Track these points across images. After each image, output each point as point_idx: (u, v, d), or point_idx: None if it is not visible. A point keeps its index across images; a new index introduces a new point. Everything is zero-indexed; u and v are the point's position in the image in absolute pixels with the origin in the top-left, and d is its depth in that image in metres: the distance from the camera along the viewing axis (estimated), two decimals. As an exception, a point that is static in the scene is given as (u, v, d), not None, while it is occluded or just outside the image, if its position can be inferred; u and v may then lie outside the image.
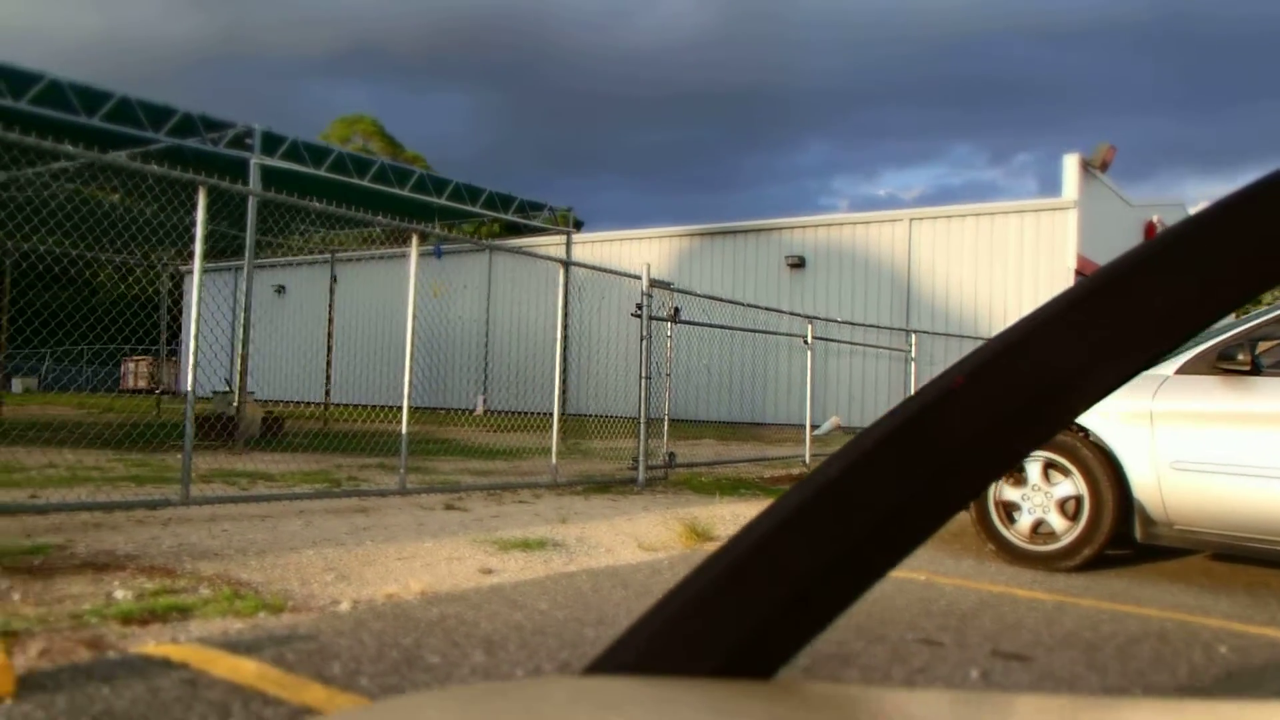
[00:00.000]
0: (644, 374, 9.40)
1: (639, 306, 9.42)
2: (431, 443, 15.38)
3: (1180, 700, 0.50)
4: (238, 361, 13.87)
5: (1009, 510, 5.27)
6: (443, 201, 15.19)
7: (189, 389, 6.35)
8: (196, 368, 6.40)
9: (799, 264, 21.86)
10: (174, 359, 27.02)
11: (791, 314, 12.30)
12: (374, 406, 21.56)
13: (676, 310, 9.94)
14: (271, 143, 13.25)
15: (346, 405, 22.03)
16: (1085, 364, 0.49)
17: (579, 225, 19.71)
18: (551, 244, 20.63)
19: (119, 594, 3.81)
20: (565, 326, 15.96)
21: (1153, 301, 0.49)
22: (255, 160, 12.74)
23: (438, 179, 15.16)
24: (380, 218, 7.60)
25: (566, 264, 8.71)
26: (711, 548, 5.26)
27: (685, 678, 0.50)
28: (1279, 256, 0.48)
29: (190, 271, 26.95)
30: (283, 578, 4.28)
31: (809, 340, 11.76)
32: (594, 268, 9.58)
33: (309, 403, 22.76)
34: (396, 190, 14.70)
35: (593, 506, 7.47)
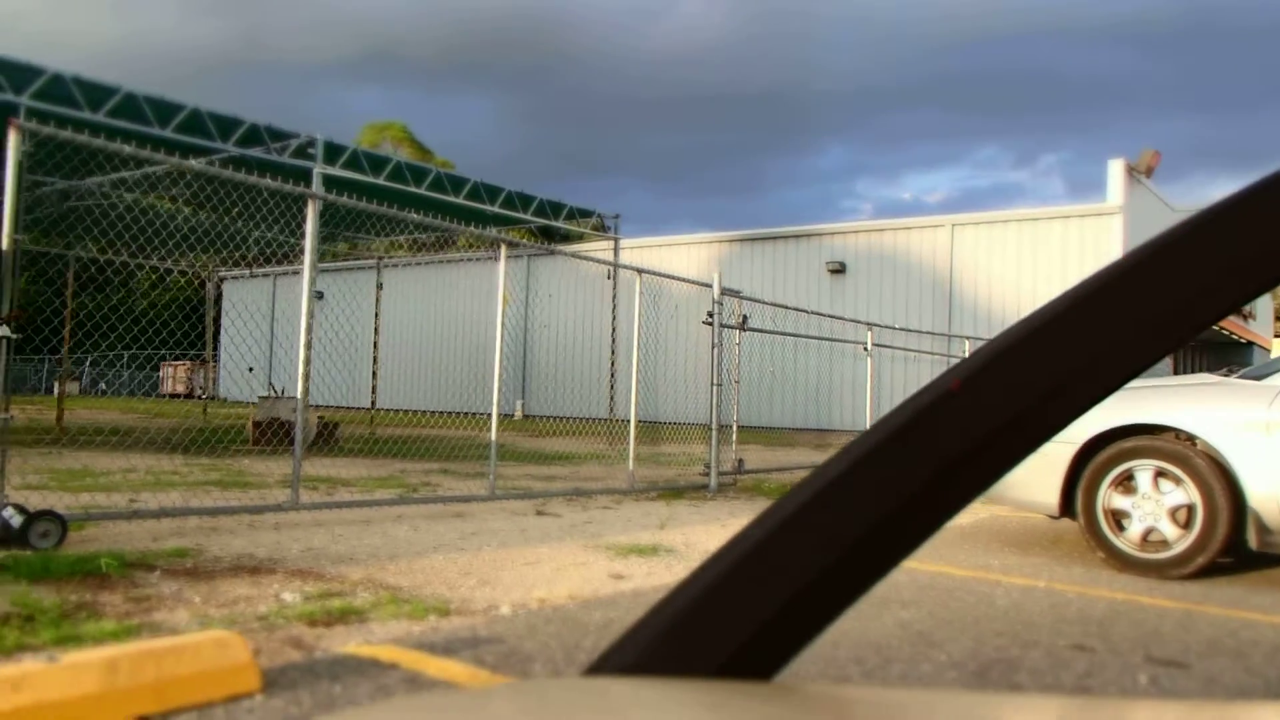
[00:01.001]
0: (715, 381, 9.51)
1: (710, 314, 9.53)
2: (482, 447, 15.55)
3: (1182, 701, 0.56)
4: (287, 366, 14.07)
5: (1118, 518, 5.34)
6: (495, 209, 15.37)
7: (300, 396, 6.50)
8: (308, 377, 6.53)
9: (839, 269, 21.91)
10: (213, 364, 27.39)
11: (853, 321, 12.38)
12: (417, 412, 21.75)
13: (745, 318, 10.05)
14: (332, 152, 13.45)
15: (390, 410, 22.28)
16: (1082, 368, 0.49)
17: (605, 229, 19.79)
18: (598, 250, 20.80)
19: (286, 596, 3.95)
20: (609, 333, 15.99)
21: (1150, 306, 0.49)
22: (319, 170, 12.95)
23: (490, 186, 15.35)
24: (473, 228, 7.74)
25: (641, 271, 8.82)
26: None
27: (685, 678, 0.50)
28: (1275, 259, 0.48)
29: (233, 278, 27.12)
30: (427, 582, 4.41)
31: (869, 347, 11.84)
32: (672, 276, 9.71)
33: (349, 407, 23.03)
34: (451, 198, 14.89)
35: (678, 512, 7.59)
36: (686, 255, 22.86)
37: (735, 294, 9.89)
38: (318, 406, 20.28)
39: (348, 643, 3.27)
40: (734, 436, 10.03)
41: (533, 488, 8.93)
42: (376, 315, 19.73)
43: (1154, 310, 0.48)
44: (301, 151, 13.11)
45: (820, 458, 13.18)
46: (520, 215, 15.90)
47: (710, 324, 9.53)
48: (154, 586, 4.09)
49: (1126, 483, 5.33)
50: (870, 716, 0.51)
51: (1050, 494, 5.51)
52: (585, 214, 16.98)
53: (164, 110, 11.85)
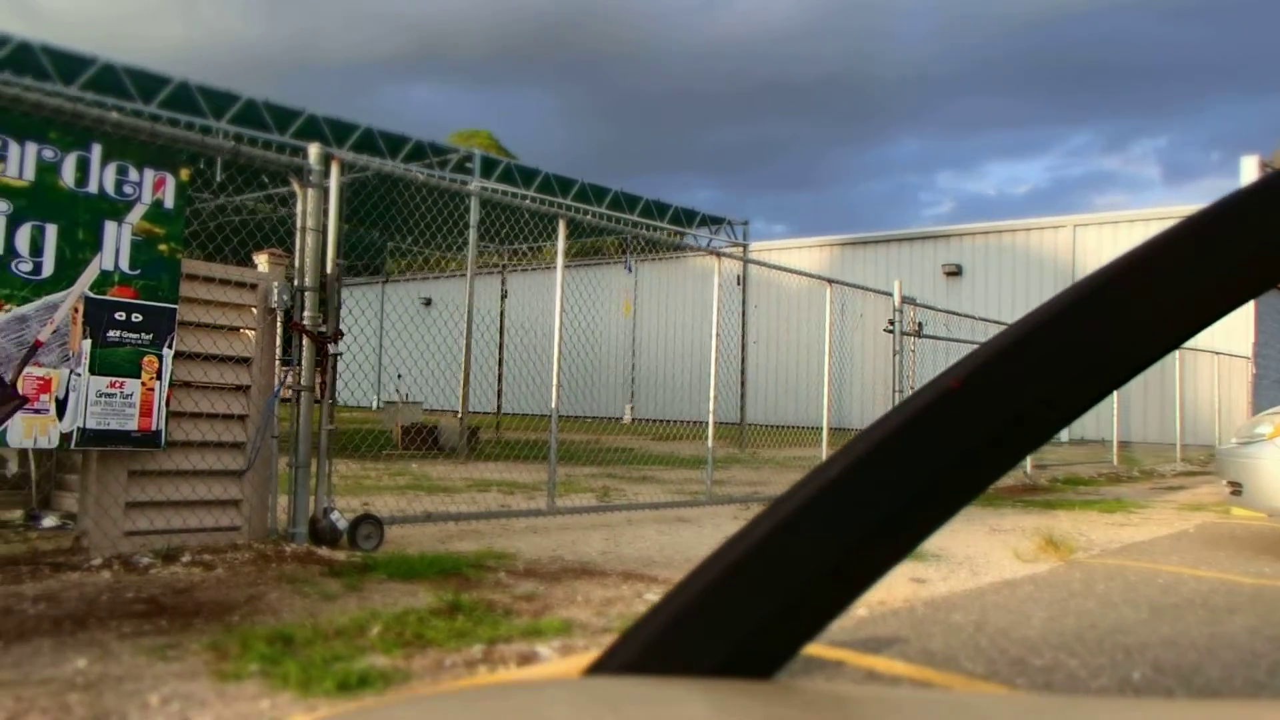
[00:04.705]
0: (896, 387, 9.67)
1: (891, 322, 9.70)
2: (615, 451, 15.90)
3: (1181, 700, 0.63)
4: (399, 370, 14.49)
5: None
6: (633, 217, 15.71)
7: (553, 407, 6.82)
8: (560, 387, 6.85)
9: (955, 272, 21.81)
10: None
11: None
12: (537, 416, 22.16)
13: (920, 325, 10.18)
14: (488, 166, 13.91)
15: (511, 415, 22.80)
16: (1081, 368, 0.49)
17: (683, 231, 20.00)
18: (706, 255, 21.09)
19: (650, 597, 4.25)
20: (736, 337, 16.14)
21: (1149, 305, 0.48)
22: (476, 184, 13.41)
23: (630, 195, 15.70)
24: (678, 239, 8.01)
25: (832, 282, 9.02)
26: (1083, 559, 5.45)
27: (685, 678, 0.50)
28: (1275, 259, 0.47)
29: (355, 285, 27.75)
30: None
31: (1031, 352, 11.87)
32: (857, 286, 9.88)
33: (459, 411, 23.59)
34: (593, 207, 15.26)
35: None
36: (798, 258, 22.97)
37: (912, 301, 10.03)
38: (436, 410, 20.85)
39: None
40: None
41: (730, 494, 9.18)
42: (501, 322, 20.24)
43: (1154, 309, 0.48)
44: (460, 166, 13.60)
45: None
46: (657, 223, 16.22)
47: (891, 331, 9.69)
48: (518, 586, 4.42)
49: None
50: (870, 716, 0.52)
51: (1320, 502, 5.57)
52: (716, 220, 17.24)
53: (340, 130, 12.43)
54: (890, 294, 9.68)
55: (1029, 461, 12.06)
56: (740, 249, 17.54)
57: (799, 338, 18.49)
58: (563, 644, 3.40)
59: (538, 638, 3.45)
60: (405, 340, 11.10)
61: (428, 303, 29.98)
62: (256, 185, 13.57)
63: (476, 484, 9.65)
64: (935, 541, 6.39)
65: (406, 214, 11.55)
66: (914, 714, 0.51)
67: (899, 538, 0.50)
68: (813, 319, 18.08)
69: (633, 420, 25.58)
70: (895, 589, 4.66)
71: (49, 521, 5.77)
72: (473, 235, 13.05)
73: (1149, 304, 0.48)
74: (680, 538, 6.28)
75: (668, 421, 21.13)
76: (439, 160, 13.61)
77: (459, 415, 14.10)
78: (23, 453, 5.37)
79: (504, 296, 20.11)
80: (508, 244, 23.08)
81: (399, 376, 20.60)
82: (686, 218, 16.62)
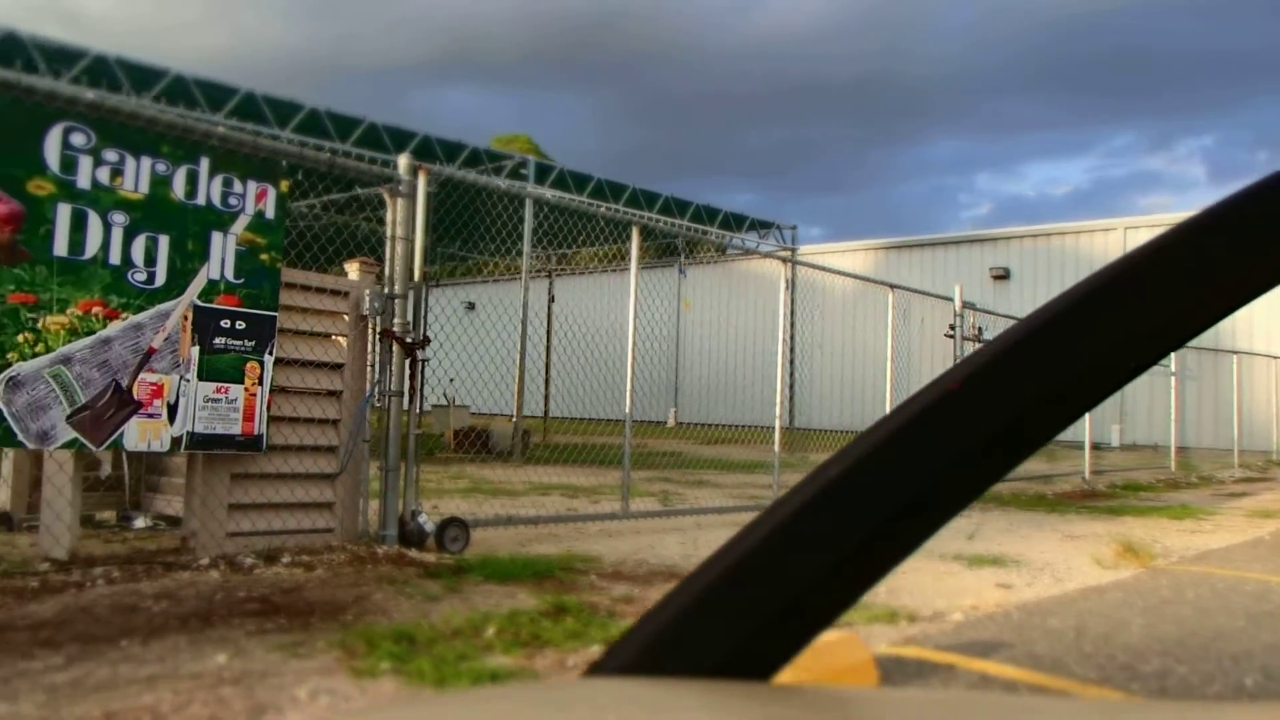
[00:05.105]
0: (956, 392, 9.66)
1: (951, 327, 9.68)
2: (663, 455, 15.96)
3: (1182, 701, 0.61)
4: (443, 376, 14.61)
5: None
6: (684, 222, 15.79)
7: (627, 412, 6.90)
8: (633, 392, 6.92)
9: (1003, 275, 21.65)
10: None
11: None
12: (583, 419, 22.33)
13: (980, 330, 10.16)
14: (541, 172, 14.05)
15: (556, 419, 22.95)
16: (1081, 369, 0.49)
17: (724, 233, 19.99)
18: (772, 259, 21.09)
19: (745, 601, 4.32)
20: (782, 341, 16.13)
21: (1151, 306, 0.48)
22: (531, 189, 13.55)
23: (680, 201, 15.77)
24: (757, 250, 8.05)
25: (894, 287, 9.03)
26: (1164, 565, 5.43)
27: (685, 678, 0.50)
28: (1275, 260, 0.47)
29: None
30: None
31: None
32: (916, 291, 9.88)
33: (507, 415, 23.78)
34: (645, 213, 15.36)
35: (957, 523, 7.76)
36: (843, 262, 22.89)
37: (973, 306, 10.01)
38: (482, 414, 20.92)
39: (877, 644, 3.59)
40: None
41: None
42: (549, 326, 20.36)
43: (1154, 310, 0.48)
44: (515, 172, 13.75)
45: (1048, 468, 13.13)
46: (707, 228, 16.29)
47: (951, 336, 9.68)
48: (613, 589, 4.50)
49: None
50: (869, 717, 0.52)
51: None
52: (765, 225, 17.28)
53: (398, 137, 12.64)
54: (950, 299, 9.67)
55: (1087, 468, 11.98)
56: (788, 253, 17.58)
57: (845, 341, 18.45)
58: (674, 645, 3.47)
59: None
60: (456, 344, 11.31)
61: (470, 307, 30.28)
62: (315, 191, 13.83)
63: (536, 487, 9.76)
64: (1010, 548, 6.40)
65: (483, 220, 11.66)
66: (914, 714, 0.51)
67: (899, 539, 0.50)
68: (859, 323, 18.10)
69: (676, 424, 25.64)
70: (984, 594, 4.69)
71: (140, 523, 5.96)
72: (527, 239, 13.20)
73: (1149, 305, 0.48)
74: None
75: (711, 425, 21.16)
76: (493, 166, 13.78)
77: (513, 419, 14.23)
78: (116, 455, 5.55)
79: (551, 300, 20.27)
80: (555, 249, 23.22)
81: (451, 380, 20.87)
82: (736, 222, 16.69)
